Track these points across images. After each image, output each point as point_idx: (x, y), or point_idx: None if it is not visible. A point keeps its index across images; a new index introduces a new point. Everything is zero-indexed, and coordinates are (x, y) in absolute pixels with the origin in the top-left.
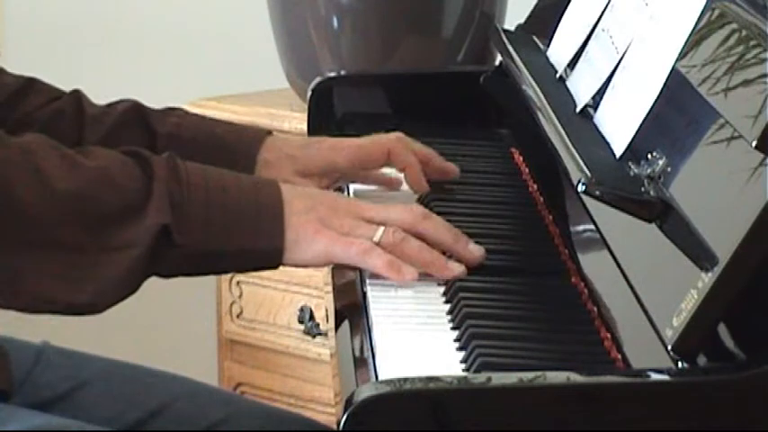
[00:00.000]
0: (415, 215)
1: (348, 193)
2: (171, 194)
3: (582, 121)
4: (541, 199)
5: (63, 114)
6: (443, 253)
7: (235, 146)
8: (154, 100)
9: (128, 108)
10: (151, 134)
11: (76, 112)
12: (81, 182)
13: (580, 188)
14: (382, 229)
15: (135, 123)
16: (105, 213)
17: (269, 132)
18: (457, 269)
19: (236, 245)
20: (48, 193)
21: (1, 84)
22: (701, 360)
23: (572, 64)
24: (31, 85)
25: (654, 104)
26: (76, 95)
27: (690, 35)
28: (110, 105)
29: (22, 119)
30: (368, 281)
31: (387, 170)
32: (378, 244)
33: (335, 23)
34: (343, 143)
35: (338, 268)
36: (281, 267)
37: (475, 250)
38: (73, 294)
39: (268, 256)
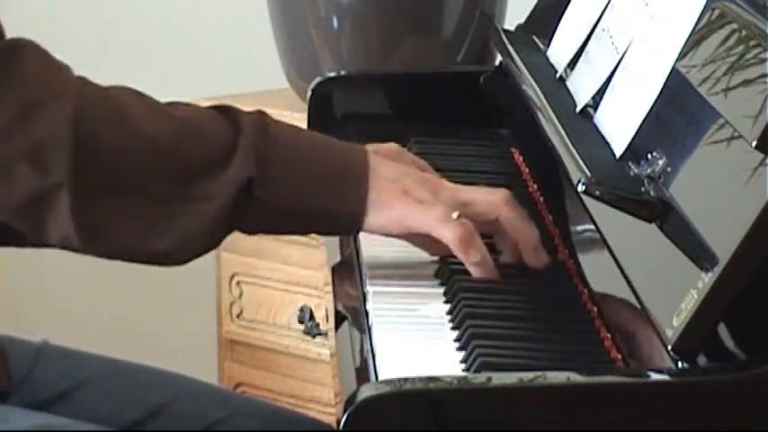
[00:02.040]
0: (501, 199)
1: None
2: (257, 149)
3: (582, 121)
4: (541, 199)
5: None
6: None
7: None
8: None
9: None
10: None
11: None
12: (167, 131)
13: (580, 188)
14: (455, 215)
15: None
16: (190, 163)
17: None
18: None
19: (319, 205)
20: (133, 140)
21: None
22: (701, 360)
23: (572, 64)
24: None
25: (654, 104)
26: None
27: (690, 35)
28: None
29: None
30: (368, 281)
31: None
32: None
33: (335, 23)
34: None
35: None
36: (279, 266)
37: (543, 257)
38: (153, 243)
39: (348, 219)
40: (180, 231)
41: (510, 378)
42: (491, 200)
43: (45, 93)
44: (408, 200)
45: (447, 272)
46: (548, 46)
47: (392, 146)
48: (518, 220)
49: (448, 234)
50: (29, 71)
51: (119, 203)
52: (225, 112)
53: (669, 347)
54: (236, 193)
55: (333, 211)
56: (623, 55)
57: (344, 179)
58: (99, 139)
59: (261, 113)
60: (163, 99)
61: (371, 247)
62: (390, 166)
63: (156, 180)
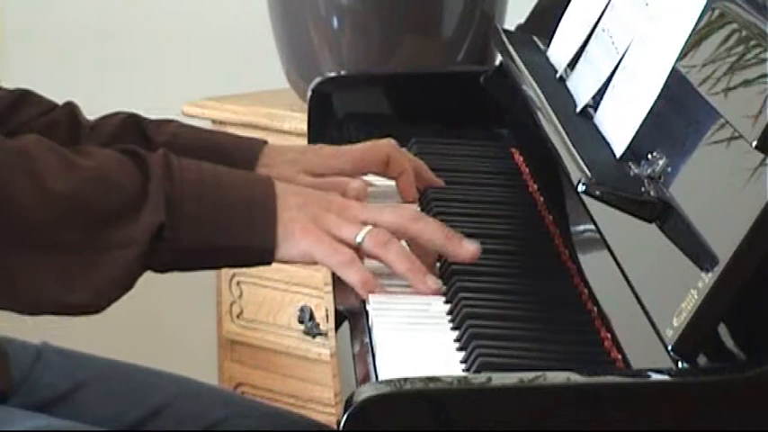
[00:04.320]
0: (405, 217)
1: None
2: (166, 193)
3: (582, 121)
4: (541, 199)
5: (58, 125)
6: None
7: (233, 153)
8: (154, 100)
9: (124, 119)
10: (148, 143)
11: (71, 123)
12: (78, 182)
13: (580, 188)
14: (367, 229)
15: (131, 133)
16: (102, 213)
17: (265, 142)
18: (433, 285)
19: (229, 241)
20: (44, 195)
21: None
22: (701, 360)
23: (572, 64)
24: (24, 97)
25: (654, 104)
26: (70, 107)
27: (690, 35)
28: (105, 117)
29: (16, 130)
30: None
31: (371, 178)
32: (360, 244)
33: (335, 23)
34: (343, 149)
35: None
36: (279, 266)
37: (470, 246)
38: (69, 295)
39: (260, 252)
40: (95, 282)
41: (510, 378)
42: (394, 222)
43: None
44: (317, 233)
45: (447, 272)
46: (548, 46)
47: (393, 141)
48: (428, 230)
49: (351, 278)
50: None
51: (32, 258)
52: (133, 155)
53: (669, 347)
54: (148, 239)
55: (244, 247)
56: (623, 55)
57: (252, 213)
58: (9, 197)
59: (165, 153)
60: (164, 99)
61: None
62: (296, 193)
63: (68, 233)
